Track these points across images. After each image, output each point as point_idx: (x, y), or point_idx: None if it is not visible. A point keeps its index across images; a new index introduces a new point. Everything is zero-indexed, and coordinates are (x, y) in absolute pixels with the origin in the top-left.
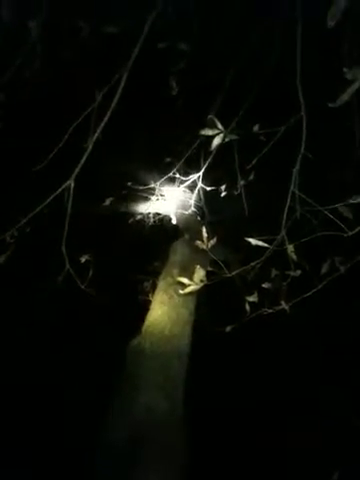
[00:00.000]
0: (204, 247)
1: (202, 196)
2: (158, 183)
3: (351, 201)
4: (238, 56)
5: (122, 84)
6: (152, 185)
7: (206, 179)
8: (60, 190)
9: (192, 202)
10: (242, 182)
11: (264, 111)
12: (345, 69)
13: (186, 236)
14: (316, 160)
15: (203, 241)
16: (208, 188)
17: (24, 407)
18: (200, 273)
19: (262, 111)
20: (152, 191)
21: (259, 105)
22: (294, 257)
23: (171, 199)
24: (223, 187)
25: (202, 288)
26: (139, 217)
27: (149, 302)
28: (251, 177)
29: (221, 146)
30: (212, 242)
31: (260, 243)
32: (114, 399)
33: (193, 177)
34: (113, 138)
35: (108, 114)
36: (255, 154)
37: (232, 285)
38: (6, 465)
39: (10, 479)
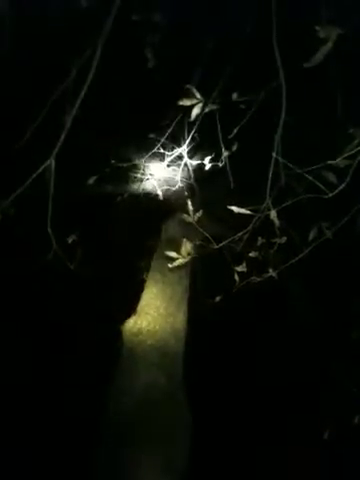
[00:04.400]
0: (191, 220)
1: (191, 172)
2: (143, 160)
3: (333, 163)
4: (215, 25)
5: (96, 58)
6: (137, 162)
7: (196, 155)
8: (41, 169)
9: (179, 178)
10: (226, 153)
11: (245, 80)
12: (317, 27)
13: (178, 213)
14: (299, 125)
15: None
16: (194, 162)
17: (23, 388)
18: (187, 246)
19: (243, 80)
20: (139, 170)
21: (240, 74)
22: (277, 222)
23: (159, 177)
24: (207, 160)
25: (197, 263)
26: (128, 196)
27: (144, 281)
28: (234, 148)
29: (207, 120)
30: (198, 214)
31: (242, 211)
32: (113, 379)
33: (178, 151)
34: (94, 116)
35: (84, 89)
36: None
37: (226, 259)
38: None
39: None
